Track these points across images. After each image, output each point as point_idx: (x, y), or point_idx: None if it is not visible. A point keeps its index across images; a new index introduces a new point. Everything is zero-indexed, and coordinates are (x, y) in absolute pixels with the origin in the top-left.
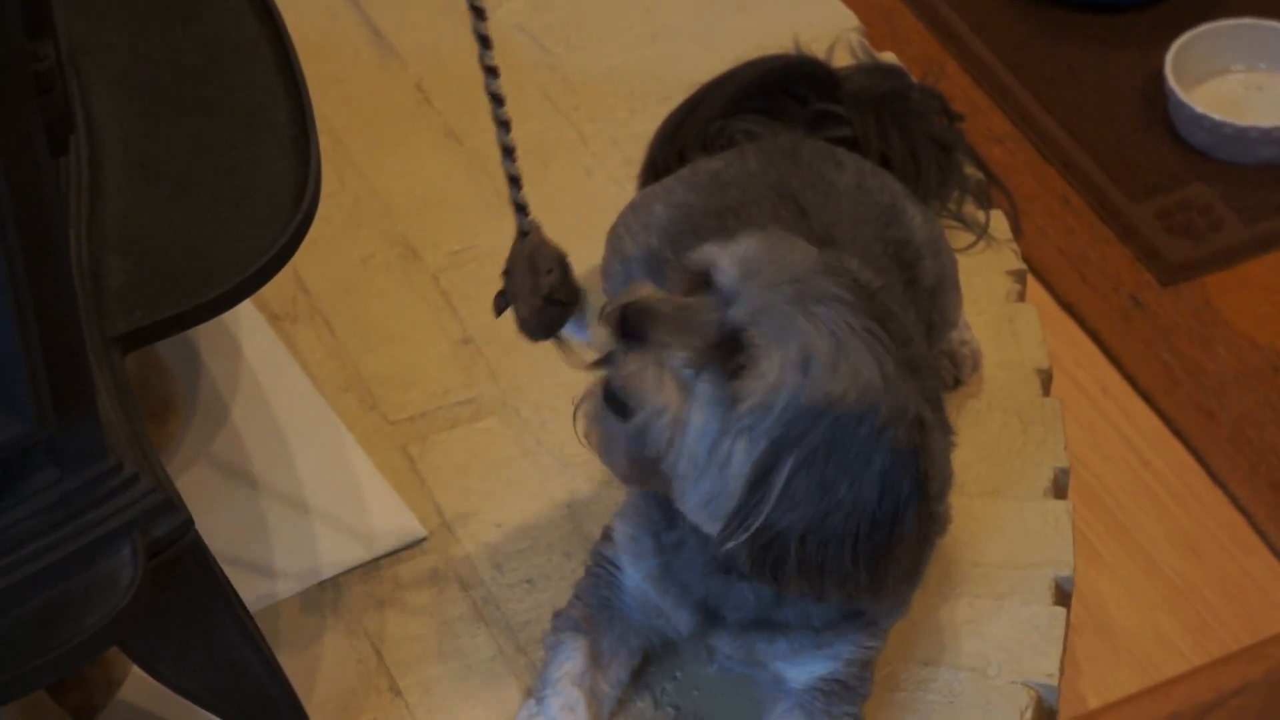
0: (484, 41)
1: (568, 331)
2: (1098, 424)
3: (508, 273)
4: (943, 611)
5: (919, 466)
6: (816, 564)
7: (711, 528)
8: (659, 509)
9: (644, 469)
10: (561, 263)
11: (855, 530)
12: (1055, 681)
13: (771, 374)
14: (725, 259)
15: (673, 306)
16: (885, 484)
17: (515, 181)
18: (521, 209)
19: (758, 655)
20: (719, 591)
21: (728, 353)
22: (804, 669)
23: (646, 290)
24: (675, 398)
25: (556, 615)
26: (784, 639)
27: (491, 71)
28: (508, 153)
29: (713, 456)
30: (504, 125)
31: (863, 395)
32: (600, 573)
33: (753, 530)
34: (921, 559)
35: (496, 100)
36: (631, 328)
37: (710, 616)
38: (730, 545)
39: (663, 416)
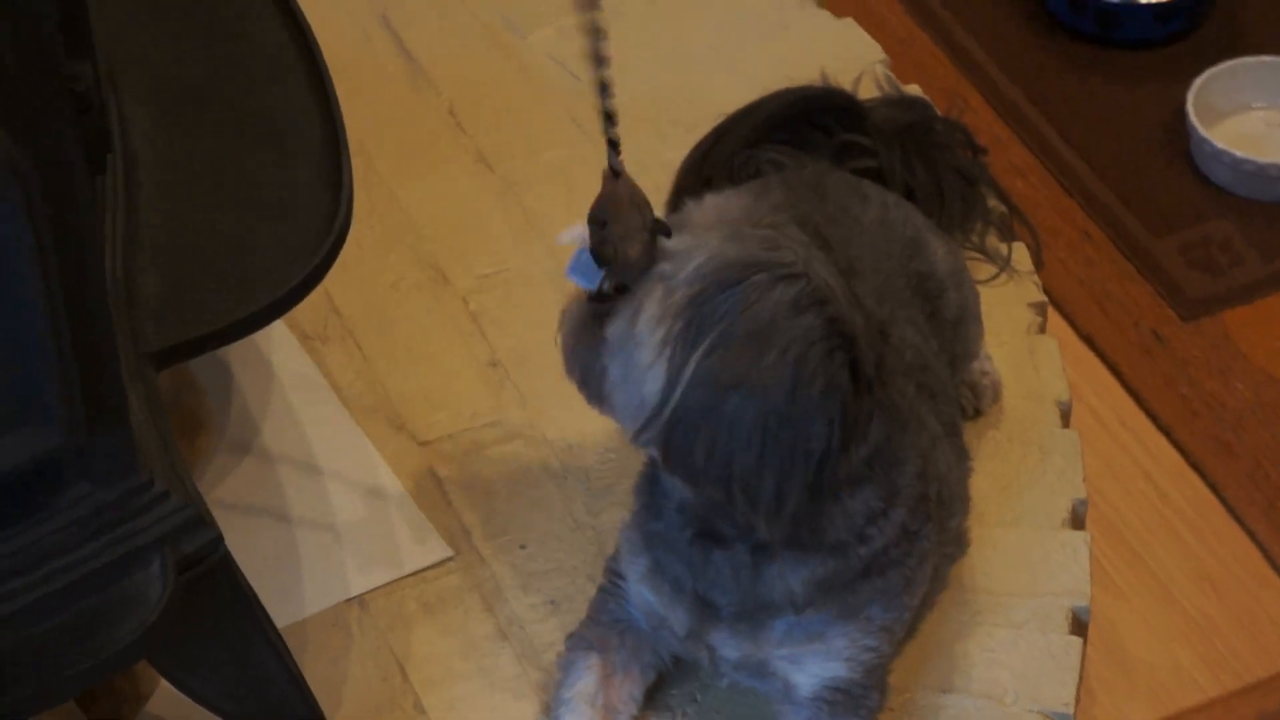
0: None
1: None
2: (1116, 456)
3: (600, 220)
4: (960, 639)
5: (837, 368)
6: (723, 457)
7: (630, 425)
8: (646, 509)
9: (588, 370)
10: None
11: (761, 423)
12: (1071, 710)
13: (692, 236)
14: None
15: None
16: (798, 375)
17: (610, 119)
18: (614, 145)
19: (757, 646)
20: (702, 573)
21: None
22: (806, 673)
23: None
24: (637, 250)
25: (569, 636)
26: (777, 622)
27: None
28: (603, 90)
29: (649, 333)
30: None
31: (779, 265)
32: (609, 587)
33: (665, 417)
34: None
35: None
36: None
37: (704, 608)
38: (645, 436)
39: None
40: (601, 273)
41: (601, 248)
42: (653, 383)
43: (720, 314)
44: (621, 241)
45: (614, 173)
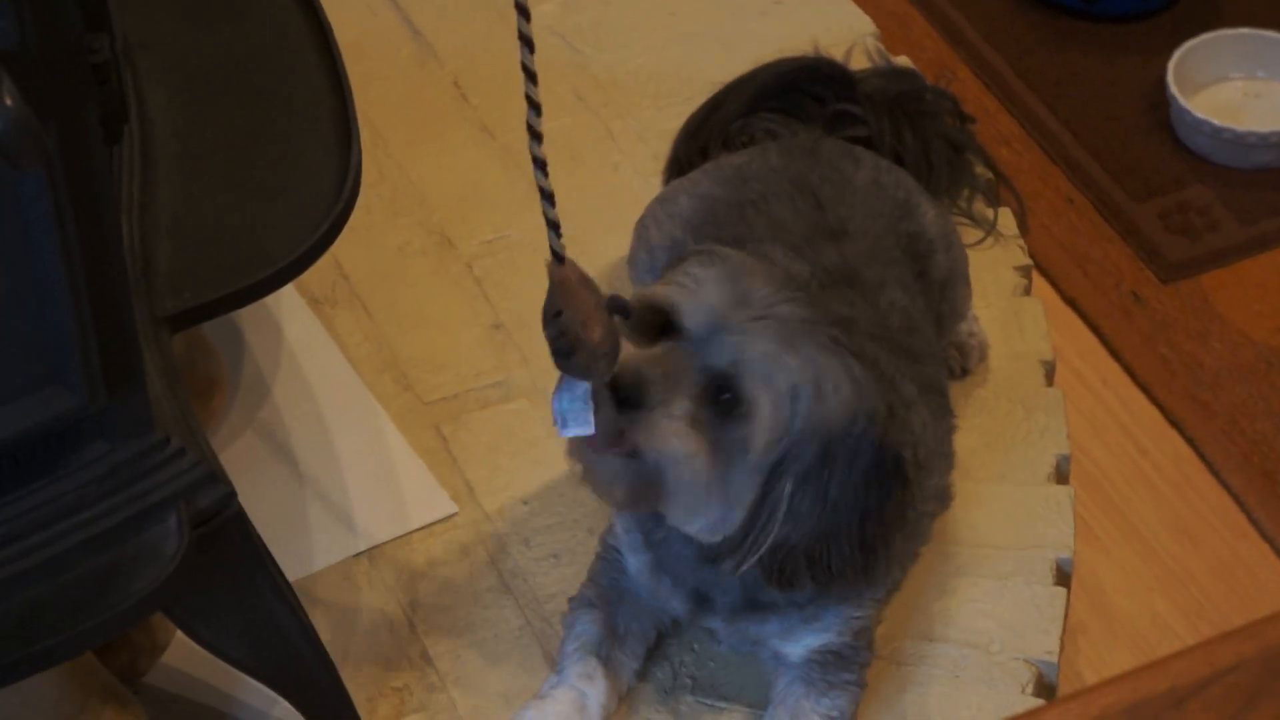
0: (528, 44)
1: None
2: (1098, 414)
3: (554, 311)
4: (948, 590)
5: (896, 454)
6: (824, 564)
7: (707, 538)
8: (646, 515)
9: (642, 499)
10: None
11: (851, 524)
12: (1055, 658)
13: (768, 413)
14: (688, 305)
15: (656, 366)
16: (870, 478)
17: (549, 197)
18: (555, 227)
19: (751, 636)
20: (707, 579)
21: (717, 397)
22: (798, 644)
23: (626, 352)
24: (691, 446)
25: (572, 598)
26: (774, 619)
27: (531, 76)
28: (540, 165)
29: (728, 492)
30: (537, 137)
31: (845, 409)
32: (609, 557)
33: (763, 550)
34: (908, 535)
35: (533, 107)
36: (627, 394)
37: (702, 601)
38: (744, 568)
39: (683, 464)
40: (590, 408)
41: (561, 339)
42: (733, 522)
43: (800, 462)
44: (581, 327)
45: (557, 258)
